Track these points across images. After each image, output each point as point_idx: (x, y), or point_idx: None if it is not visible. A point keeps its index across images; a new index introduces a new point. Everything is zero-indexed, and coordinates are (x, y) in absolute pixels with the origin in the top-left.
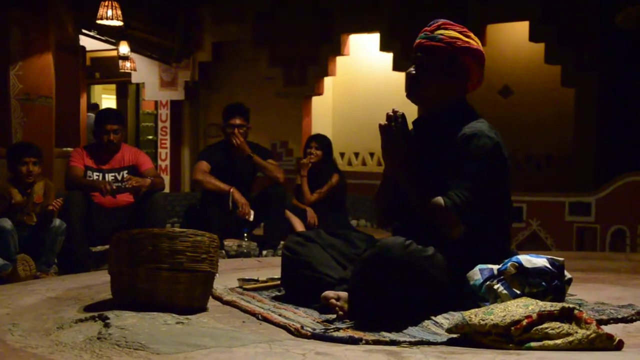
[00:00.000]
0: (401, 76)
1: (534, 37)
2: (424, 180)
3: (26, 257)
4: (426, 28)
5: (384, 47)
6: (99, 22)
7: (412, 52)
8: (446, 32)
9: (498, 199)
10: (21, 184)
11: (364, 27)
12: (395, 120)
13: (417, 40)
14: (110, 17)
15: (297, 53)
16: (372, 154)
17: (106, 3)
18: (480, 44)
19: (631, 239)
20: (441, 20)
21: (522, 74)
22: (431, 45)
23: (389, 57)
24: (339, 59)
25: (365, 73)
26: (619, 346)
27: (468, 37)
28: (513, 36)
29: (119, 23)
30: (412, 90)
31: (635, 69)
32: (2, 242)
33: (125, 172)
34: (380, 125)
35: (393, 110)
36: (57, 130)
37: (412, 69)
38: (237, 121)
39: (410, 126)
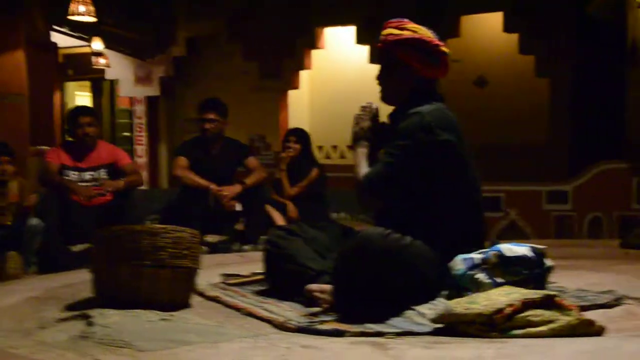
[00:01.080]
0: (377, 69)
1: (508, 27)
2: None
3: (14, 254)
4: None
5: (359, 39)
6: (70, 18)
7: None
8: (384, 31)
9: (455, 183)
10: None
11: (340, 20)
12: (366, 110)
13: None
14: (83, 12)
15: (272, 47)
16: (350, 147)
17: None
18: (420, 31)
19: (608, 225)
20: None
21: (497, 65)
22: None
23: (364, 49)
24: (314, 52)
25: (341, 66)
26: (599, 332)
27: (402, 29)
28: (487, 27)
29: (92, 19)
30: (380, 92)
31: (609, 58)
32: None
33: (103, 170)
34: (354, 116)
35: (367, 102)
36: (31, 128)
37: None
38: (210, 116)
39: (382, 119)
